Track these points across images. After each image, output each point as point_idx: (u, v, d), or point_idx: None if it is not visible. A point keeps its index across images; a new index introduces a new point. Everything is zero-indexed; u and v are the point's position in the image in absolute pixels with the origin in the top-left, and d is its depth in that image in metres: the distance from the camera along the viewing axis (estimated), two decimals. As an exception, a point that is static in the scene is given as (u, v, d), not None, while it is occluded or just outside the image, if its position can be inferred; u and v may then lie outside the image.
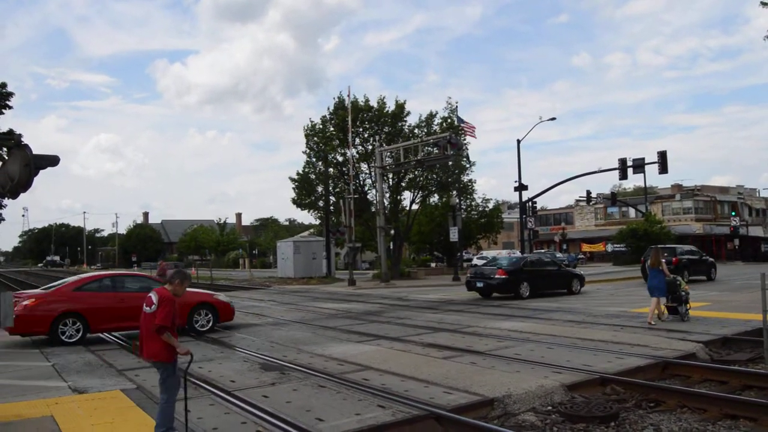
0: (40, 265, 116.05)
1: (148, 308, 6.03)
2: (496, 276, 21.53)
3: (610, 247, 63.11)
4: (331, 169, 37.90)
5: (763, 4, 22.74)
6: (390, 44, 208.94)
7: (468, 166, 40.17)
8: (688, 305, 13.81)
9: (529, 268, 22.31)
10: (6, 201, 32.11)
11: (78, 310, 12.75)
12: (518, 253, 25.99)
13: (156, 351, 5.89)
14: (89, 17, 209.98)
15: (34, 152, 6.51)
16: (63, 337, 12.54)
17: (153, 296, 6.05)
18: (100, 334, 13.70)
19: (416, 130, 37.72)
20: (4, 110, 30.55)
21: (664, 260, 13.94)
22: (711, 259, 29.34)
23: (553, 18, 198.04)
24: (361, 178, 38.95)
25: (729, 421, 6.66)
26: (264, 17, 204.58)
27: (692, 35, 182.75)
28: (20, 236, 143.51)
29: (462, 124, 38.15)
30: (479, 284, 22.07)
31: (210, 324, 14.20)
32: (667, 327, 12.64)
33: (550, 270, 23.08)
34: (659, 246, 17.84)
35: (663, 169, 34.59)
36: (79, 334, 12.70)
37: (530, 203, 41.58)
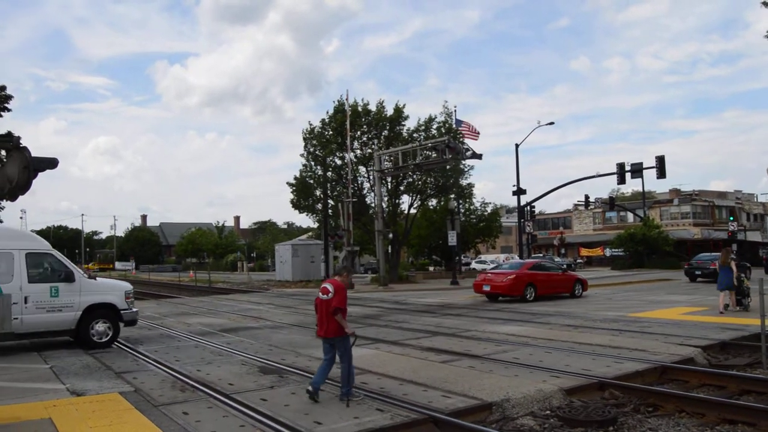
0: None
1: (324, 296, 7.28)
2: (710, 267, 28.21)
3: (608, 252, 63.24)
4: (329, 173, 37.88)
5: (764, 4, 22.80)
6: (389, 48, 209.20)
7: (465, 170, 40.12)
8: (749, 298, 16.56)
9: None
10: (4, 203, 32.08)
11: (533, 282, 21.55)
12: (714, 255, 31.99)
13: (334, 329, 7.27)
14: (88, 19, 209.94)
15: (33, 155, 6.52)
16: (527, 297, 21.05)
17: (329, 286, 7.32)
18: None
19: (415, 134, 37.72)
20: (2, 113, 30.52)
21: (732, 260, 16.69)
22: None
23: (553, 22, 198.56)
24: (359, 182, 38.94)
25: (727, 426, 6.68)
26: (264, 19, 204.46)
27: (692, 40, 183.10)
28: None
29: (460, 127, 38.16)
30: (697, 272, 30.15)
31: (581, 291, 23.15)
32: (663, 332, 12.67)
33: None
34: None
35: (661, 173, 34.78)
36: (533, 296, 21.16)
37: (529, 207, 41.72)
